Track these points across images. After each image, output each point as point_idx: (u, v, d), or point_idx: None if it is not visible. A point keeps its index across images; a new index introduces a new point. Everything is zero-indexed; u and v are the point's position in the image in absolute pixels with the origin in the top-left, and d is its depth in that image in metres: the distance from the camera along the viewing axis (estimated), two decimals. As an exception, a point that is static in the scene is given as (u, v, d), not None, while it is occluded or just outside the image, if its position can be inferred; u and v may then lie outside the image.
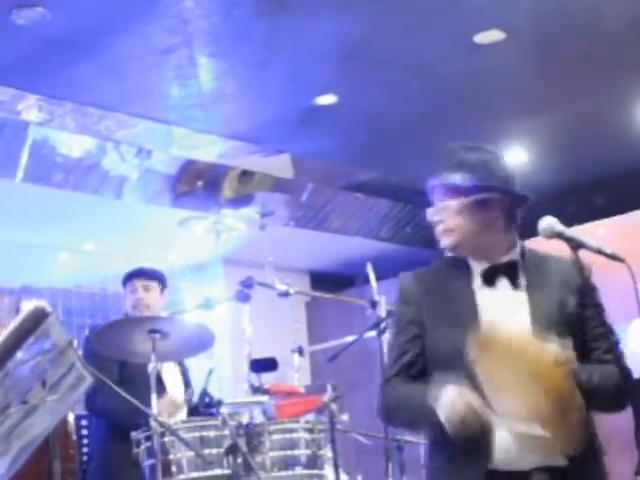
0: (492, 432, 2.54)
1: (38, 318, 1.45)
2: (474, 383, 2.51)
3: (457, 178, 2.71)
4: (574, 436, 2.47)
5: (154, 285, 5.03)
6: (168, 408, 4.53)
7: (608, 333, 2.66)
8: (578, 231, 2.62)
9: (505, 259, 2.73)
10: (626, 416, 3.70)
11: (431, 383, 2.59)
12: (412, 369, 2.75)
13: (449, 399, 2.51)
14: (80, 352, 3.91)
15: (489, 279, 2.72)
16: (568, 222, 2.65)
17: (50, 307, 1.47)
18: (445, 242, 2.75)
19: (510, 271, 2.72)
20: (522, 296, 2.69)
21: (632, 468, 4.59)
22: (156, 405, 4.11)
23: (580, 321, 2.68)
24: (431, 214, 2.77)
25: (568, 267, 2.69)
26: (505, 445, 2.55)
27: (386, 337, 4.18)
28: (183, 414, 4.75)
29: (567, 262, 2.69)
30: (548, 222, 2.60)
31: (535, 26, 5.22)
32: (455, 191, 2.72)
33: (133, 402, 3.61)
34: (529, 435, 2.48)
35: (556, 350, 2.45)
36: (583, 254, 2.57)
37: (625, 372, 2.59)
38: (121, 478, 4.50)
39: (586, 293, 2.68)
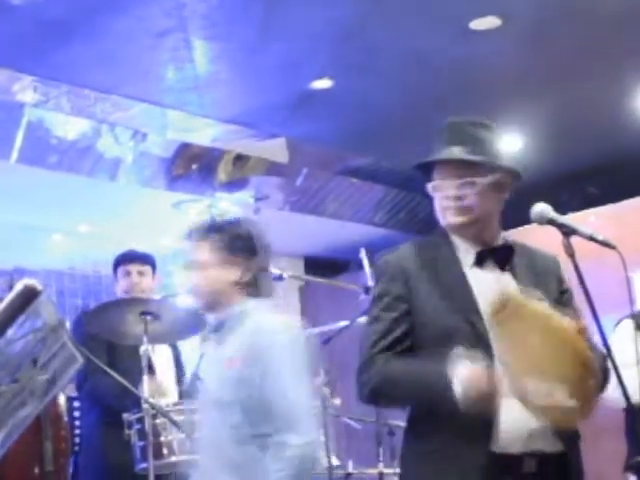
0: (498, 413, 2.50)
1: (28, 297, 1.46)
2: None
3: (477, 156, 2.66)
4: (594, 401, 2.44)
5: (148, 269, 4.89)
6: (153, 391, 4.51)
7: (581, 319, 2.60)
8: (570, 218, 2.63)
9: (499, 242, 2.74)
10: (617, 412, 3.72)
11: (442, 358, 2.46)
12: (400, 345, 2.65)
13: (471, 375, 2.43)
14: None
15: (481, 261, 2.70)
16: (560, 210, 2.66)
17: (41, 285, 1.47)
18: (460, 219, 2.67)
19: (500, 254, 2.71)
20: (509, 278, 2.69)
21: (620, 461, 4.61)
22: (146, 386, 4.11)
23: (560, 307, 2.68)
24: (451, 188, 2.65)
25: (543, 254, 2.80)
26: (506, 427, 2.52)
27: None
28: (174, 397, 4.75)
29: (541, 250, 2.81)
30: (541, 208, 2.61)
31: (531, 12, 5.22)
32: (472, 169, 2.66)
33: (124, 384, 3.61)
34: (551, 406, 2.42)
35: (572, 319, 2.44)
36: (575, 241, 2.58)
37: (601, 355, 2.58)
38: (114, 461, 4.49)
39: (563, 280, 2.76)
